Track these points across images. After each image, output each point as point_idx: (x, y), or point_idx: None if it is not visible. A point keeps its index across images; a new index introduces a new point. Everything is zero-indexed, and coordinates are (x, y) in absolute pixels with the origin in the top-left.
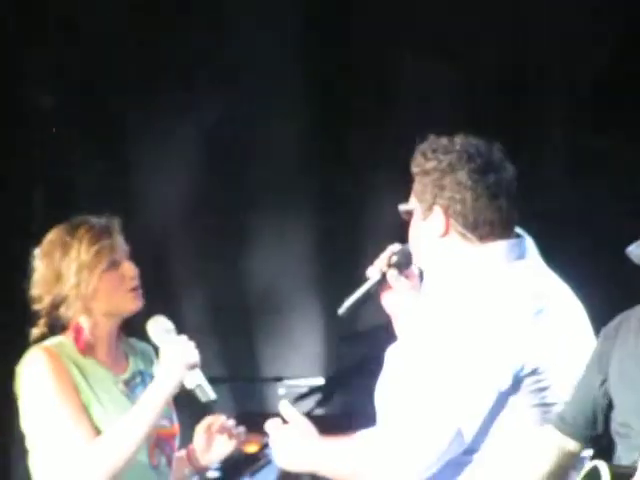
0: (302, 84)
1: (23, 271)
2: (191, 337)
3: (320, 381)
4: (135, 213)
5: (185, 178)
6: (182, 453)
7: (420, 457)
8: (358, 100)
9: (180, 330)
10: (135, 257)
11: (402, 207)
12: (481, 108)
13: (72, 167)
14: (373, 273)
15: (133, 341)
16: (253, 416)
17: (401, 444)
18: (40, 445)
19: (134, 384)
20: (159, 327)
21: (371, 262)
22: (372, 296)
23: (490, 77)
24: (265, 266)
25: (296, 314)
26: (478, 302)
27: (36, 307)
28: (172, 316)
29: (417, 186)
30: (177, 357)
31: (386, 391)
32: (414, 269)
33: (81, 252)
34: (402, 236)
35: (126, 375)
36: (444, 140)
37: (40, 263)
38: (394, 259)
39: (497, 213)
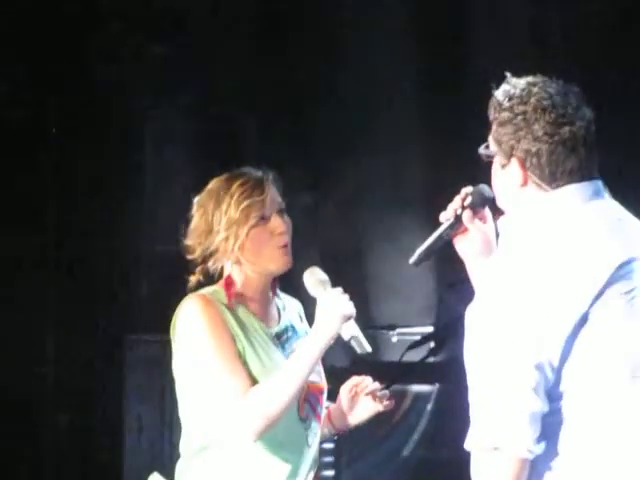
0: None
1: None
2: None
3: (431, 329)
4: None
5: None
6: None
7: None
8: None
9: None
10: None
11: (482, 150)
12: None
13: None
14: (447, 216)
15: (285, 296)
16: (367, 364)
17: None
18: (194, 392)
19: (285, 338)
20: (315, 278)
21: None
22: (445, 242)
23: None
24: (379, 215)
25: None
26: (547, 253)
27: (189, 256)
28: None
29: (494, 134)
30: (335, 308)
31: (466, 359)
32: (487, 211)
33: (231, 207)
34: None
35: (278, 329)
36: (521, 85)
37: (195, 213)
38: (468, 200)
39: (575, 164)
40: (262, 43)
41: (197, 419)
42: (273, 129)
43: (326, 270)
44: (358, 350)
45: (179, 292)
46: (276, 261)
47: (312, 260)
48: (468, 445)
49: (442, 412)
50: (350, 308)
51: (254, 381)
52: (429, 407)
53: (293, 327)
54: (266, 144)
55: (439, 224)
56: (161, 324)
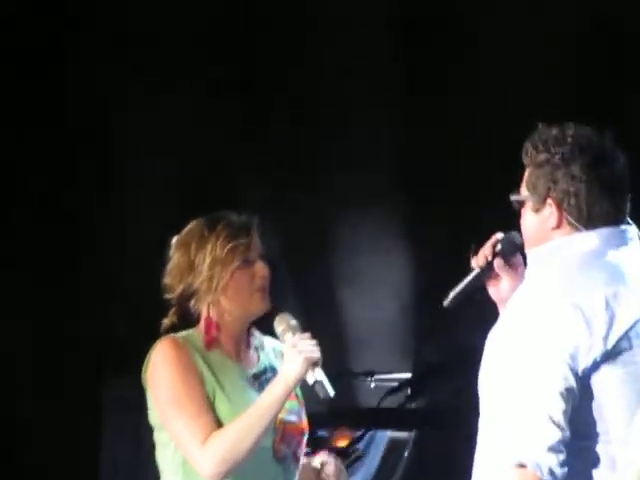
0: None
1: None
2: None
3: (409, 376)
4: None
5: None
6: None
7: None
8: None
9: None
10: None
11: (514, 197)
12: None
13: None
14: (478, 262)
15: (260, 335)
16: (344, 410)
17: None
18: (165, 435)
19: (264, 378)
20: (285, 324)
21: (472, 253)
22: (477, 286)
23: None
24: (355, 262)
25: (387, 309)
26: (551, 291)
27: (168, 296)
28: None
29: (529, 178)
30: (301, 353)
31: (482, 381)
32: (519, 258)
33: (217, 247)
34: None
35: (256, 369)
36: (555, 130)
37: (176, 252)
38: (499, 247)
39: (611, 205)
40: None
41: (169, 461)
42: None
43: (303, 316)
44: (321, 395)
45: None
46: (257, 303)
47: (288, 307)
48: (491, 463)
49: (420, 458)
50: (316, 353)
51: (222, 425)
52: (406, 453)
53: (273, 367)
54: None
55: (420, 269)
56: (139, 364)
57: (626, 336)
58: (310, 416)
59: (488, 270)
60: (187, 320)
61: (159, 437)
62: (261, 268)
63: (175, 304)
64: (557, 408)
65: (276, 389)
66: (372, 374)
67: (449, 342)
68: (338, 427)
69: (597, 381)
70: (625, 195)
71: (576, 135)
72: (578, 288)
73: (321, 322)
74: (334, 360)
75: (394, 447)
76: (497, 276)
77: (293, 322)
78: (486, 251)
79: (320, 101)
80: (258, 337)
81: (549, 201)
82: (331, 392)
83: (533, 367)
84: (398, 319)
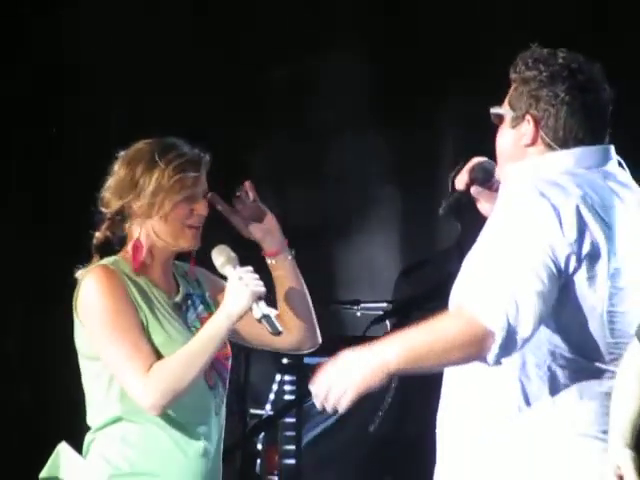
0: None
1: None
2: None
3: (394, 304)
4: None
5: None
6: None
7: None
8: None
9: (259, 255)
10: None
11: (493, 110)
12: None
13: None
14: (458, 186)
15: (180, 264)
16: (330, 339)
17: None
18: (99, 366)
19: (186, 307)
20: (224, 256)
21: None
22: (466, 200)
23: None
24: (345, 190)
25: (375, 238)
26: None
27: (103, 209)
28: (249, 241)
29: (512, 93)
30: (244, 287)
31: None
32: (496, 181)
33: (165, 175)
34: None
35: (178, 298)
36: (547, 51)
37: (121, 168)
38: (474, 176)
39: (589, 133)
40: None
41: (104, 392)
42: None
43: (291, 246)
44: (270, 329)
45: None
46: (189, 239)
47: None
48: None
49: (406, 389)
50: (262, 287)
51: (158, 353)
52: (393, 384)
53: (191, 295)
54: None
55: (404, 204)
56: None
57: (595, 254)
58: None
59: (467, 193)
60: (117, 237)
61: (91, 368)
62: (202, 207)
63: (108, 219)
64: (536, 272)
65: (220, 321)
66: (358, 303)
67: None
68: (324, 355)
69: (571, 290)
70: (606, 125)
71: (568, 58)
72: (555, 195)
73: (306, 258)
74: (322, 292)
75: None
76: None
77: (233, 254)
78: (464, 177)
79: None
80: (178, 265)
81: (528, 117)
82: (279, 327)
83: (513, 248)
84: (385, 247)
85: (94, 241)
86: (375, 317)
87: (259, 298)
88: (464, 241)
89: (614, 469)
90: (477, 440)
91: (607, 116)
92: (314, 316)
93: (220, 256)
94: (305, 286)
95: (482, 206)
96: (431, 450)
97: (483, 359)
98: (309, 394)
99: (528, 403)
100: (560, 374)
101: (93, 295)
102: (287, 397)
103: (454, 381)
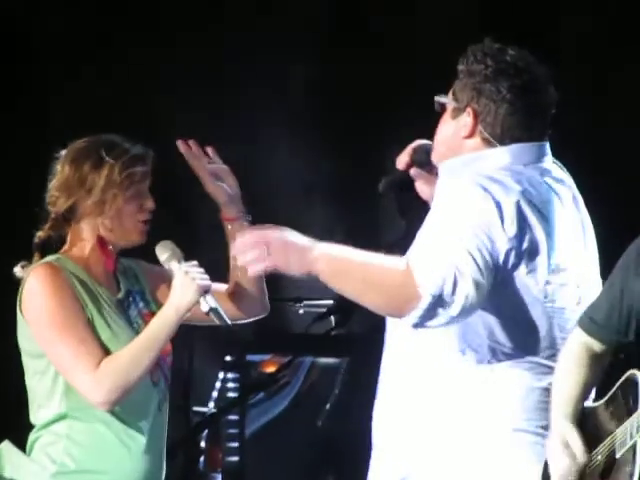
0: None
1: None
2: (212, 257)
3: (337, 302)
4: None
5: None
6: None
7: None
8: None
9: (201, 250)
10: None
11: (437, 98)
12: None
13: None
14: (399, 166)
15: (119, 260)
16: (273, 336)
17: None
18: (44, 362)
19: (127, 303)
20: (169, 252)
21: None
22: (407, 182)
23: None
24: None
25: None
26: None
27: (50, 209)
28: (188, 236)
29: (457, 83)
30: (190, 281)
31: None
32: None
33: (115, 171)
34: None
35: (120, 295)
36: (497, 46)
37: (66, 166)
38: (415, 157)
39: (527, 133)
40: None
41: (48, 390)
42: None
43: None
44: (218, 322)
45: None
46: (137, 234)
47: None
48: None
49: (351, 384)
50: (208, 281)
51: (105, 349)
52: (339, 379)
53: (131, 292)
54: None
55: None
56: None
57: (532, 250)
58: (239, 342)
59: (406, 173)
60: (60, 237)
61: (35, 365)
62: (150, 202)
63: (54, 218)
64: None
65: (167, 315)
66: (300, 300)
67: None
68: (267, 352)
69: (511, 285)
70: (546, 126)
71: (516, 56)
72: (497, 191)
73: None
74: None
75: (326, 373)
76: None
77: (177, 249)
78: (404, 157)
79: None
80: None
81: (468, 109)
82: (227, 320)
83: (456, 233)
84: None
85: (36, 240)
86: (318, 314)
87: (206, 292)
88: (409, 234)
89: (561, 438)
90: (415, 435)
91: (548, 117)
92: (264, 283)
93: (165, 251)
94: None
95: (420, 187)
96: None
97: (398, 316)
98: (252, 391)
99: (468, 398)
100: (500, 370)
101: (38, 292)
102: (230, 394)
103: (392, 377)
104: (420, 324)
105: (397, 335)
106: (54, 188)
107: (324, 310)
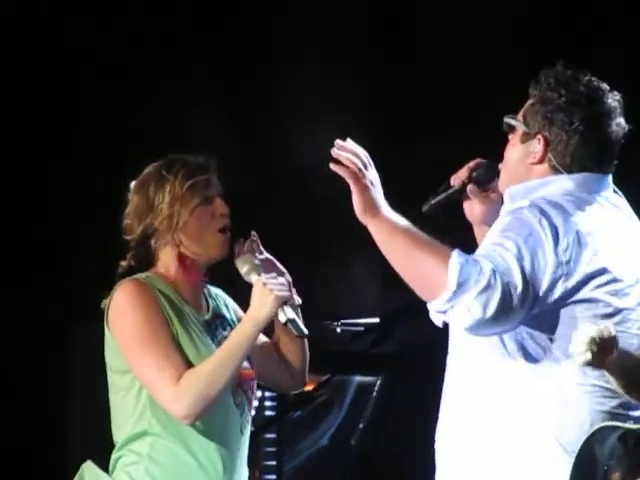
0: None
1: None
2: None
3: (376, 320)
4: None
5: None
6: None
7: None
8: None
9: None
10: None
11: (508, 118)
12: None
13: None
14: (455, 182)
15: (210, 286)
16: (311, 355)
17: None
18: (129, 377)
19: (215, 325)
20: (249, 264)
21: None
22: (454, 202)
23: None
24: (325, 205)
25: (355, 254)
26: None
27: (127, 237)
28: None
29: (529, 108)
30: (269, 292)
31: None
32: (495, 185)
33: (176, 185)
34: None
35: (207, 316)
36: (571, 73)
37: (135, 195)
38: (474, 174)
39: (597, 165)
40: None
41: (131, 407)
42: None
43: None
44: (295, 333)
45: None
46: (217, 247)
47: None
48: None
49: (387, 402)
50: (286, 292)
51: (189, 365)
52: (373, 397)
53: (221, 315)
54: None
55: None
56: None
57: (592, 277)
58: None
59: (462, 191)
60: (142, 265)
61: (120, 381)
62: (221, 205)
63: (133, 247)
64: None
65: (246, 328)
66: (339, 319)
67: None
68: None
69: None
70: (614, 158)
71: (589, 85)
72: (556, 216)
73: (292, 265)
74: (302, 305)
75: (361, 391)
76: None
77: (257, 262)
78: (462, 174)
79: None
80: (208, 287)
81: (539, 137)
82: (305, 330)
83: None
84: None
85: (119, 269)
86: (356, 332)
87: (284, 303)
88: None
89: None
90: (481, 452)
91: (617, 150)
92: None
93: (245, 264)
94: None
95: (471, 207)
96: (408, 464)
97: (428, 299)
98: (289, 410)
99: (533, 418)
100: (564, 393)
101: (124, 305)
102: (268, 413)
103: (455, 394)
104: (444, 318)
105: (459, 351)
106: (127, 217)
107: (362, 329)
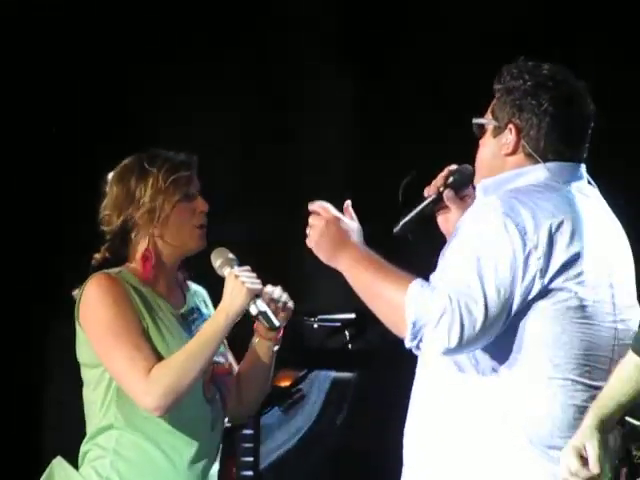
0: None
1: None
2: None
3: (352, 316)
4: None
5: None
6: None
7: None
8: None
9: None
10: None
11: (475, 120)
12: None
13: None
14: (429, 191)
15: (189, 282)
16: (287, 351)
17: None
18: (99, 370)
19: (191, 319)
20: (223, 257)
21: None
22: (427, 216)
23: None
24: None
25: None
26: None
27: (105, 228)
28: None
29: (496, 103)
30: (241, 285)
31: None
32: (471, 190)
33: (159, 179)
34: None
35: (183, 310)
36: (532, 62)
37: (114, 186)
38: (451, 179)
39: (570, 147)
40: None
41: (100, 400)
42: None
43: (250, 256)
44: (267, 325)
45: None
46: (195, 240)
47: (232, 246)
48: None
49: (364, 398)
50: (258, 284)
51: (160, 358)
52: (349, 394)
53: (199, 309)
54: None
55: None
56: None
57: (564, 270)
58: None
59: (438, 200)
60: (117, 258)
61: (91, 374)
62: (202, 203)
63: (110, 239)
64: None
65: (218, 320)
66: (315, 314)
67: None
68: (281, 367)
69: (544, 304)
70: (585, 140)
71: (553, 69)
72: (526, 211)
73: (268, 262)
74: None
75: (337, 387)
76: (447, 207)
77: (231, 255)
78: (438, 182)
79: None
80: (184, 280)
81: (510, 126)
82: (276, 322)
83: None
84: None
85: (93, 262)
86: (333, 328)
87: (256, 296)
88: (423, 259)
89: (578, 447)
90: (446, 453)
91: (588, 131)
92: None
93: (219, 257)
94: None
95: (446, 219)
96: (385, 462)
97: (398, 334)
98: (266, 405)
99: (500, 416)
100: (534, 387)
101: (95, 299)
102: None
103: (423, 395)
104: (416, 347)
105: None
106: (105, 208)
107: (339, 324)
